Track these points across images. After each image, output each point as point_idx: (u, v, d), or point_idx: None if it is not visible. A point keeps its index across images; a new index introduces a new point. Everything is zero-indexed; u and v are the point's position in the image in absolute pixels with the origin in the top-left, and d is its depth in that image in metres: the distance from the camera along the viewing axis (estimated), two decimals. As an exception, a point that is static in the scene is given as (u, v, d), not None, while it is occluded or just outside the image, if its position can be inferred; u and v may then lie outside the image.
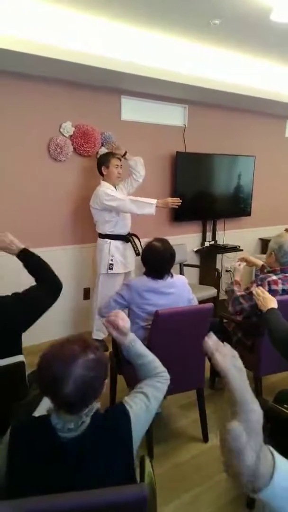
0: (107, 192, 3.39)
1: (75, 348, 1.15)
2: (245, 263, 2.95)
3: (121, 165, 3.53)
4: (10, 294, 1.91)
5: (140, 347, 1.50)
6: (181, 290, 2.54)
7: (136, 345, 1.50)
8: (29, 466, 1.15)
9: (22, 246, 2.03)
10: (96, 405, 1.21)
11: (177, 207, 3.56)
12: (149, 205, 3.35)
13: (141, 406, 1.30)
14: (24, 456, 1.15)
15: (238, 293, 2.66)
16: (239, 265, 2.88)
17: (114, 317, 1.50)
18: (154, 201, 3.36)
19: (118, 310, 1.77)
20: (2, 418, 1.55)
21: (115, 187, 3.56)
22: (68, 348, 1.16)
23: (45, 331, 3.35)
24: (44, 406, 1.47)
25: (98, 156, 3.72)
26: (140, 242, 3.59)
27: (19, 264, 2.04)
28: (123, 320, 1.50)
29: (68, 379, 1.11)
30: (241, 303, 2.61)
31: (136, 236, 3.65)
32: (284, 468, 0.81)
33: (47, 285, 1.96)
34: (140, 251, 3.04)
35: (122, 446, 1.22)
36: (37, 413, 1.56)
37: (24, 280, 2.02)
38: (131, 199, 3.38)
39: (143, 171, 3.68)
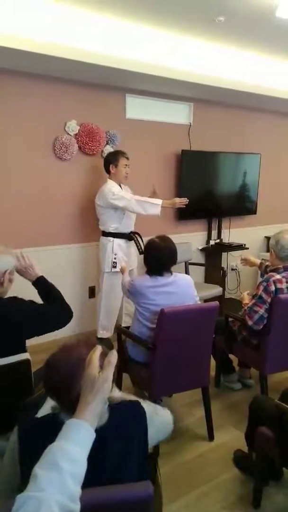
0: (113, 190, 3.39)
1: (83, 353, 1.13)
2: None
3: (129, 165, 3.53)
4: (26, 299, 1.96)
5: None
6: (185, 290, 2.49)
7: None
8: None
9: (40, 274, 2.13)
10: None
11: (184, 206, 3.56)
12: (154, 206, 3.37)
13: (150, 408, 1.35)
14: (33, 456, 1.15)
15: (250, 303, 2.65)
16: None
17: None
18: (159, 201, 3.38)
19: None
20: (8, 416, 1.56)
21: (120, 186, 3.56)
22: (75, 352, 1.14)
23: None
24: (48, 405, 1.46)
25: (105, 154, 3.72)
26: (142, 240, 3.59)
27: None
28: None
29: (74, 384, 1.09)
30: (257, 311, 2.58)
31: (139, 235, 3.65)
32: None
33: (59, 311, 2.05)
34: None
35: (138, 437, 1.23)
36: (41, 412, 1.56)
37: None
38: (137, 200, 3.38)
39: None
